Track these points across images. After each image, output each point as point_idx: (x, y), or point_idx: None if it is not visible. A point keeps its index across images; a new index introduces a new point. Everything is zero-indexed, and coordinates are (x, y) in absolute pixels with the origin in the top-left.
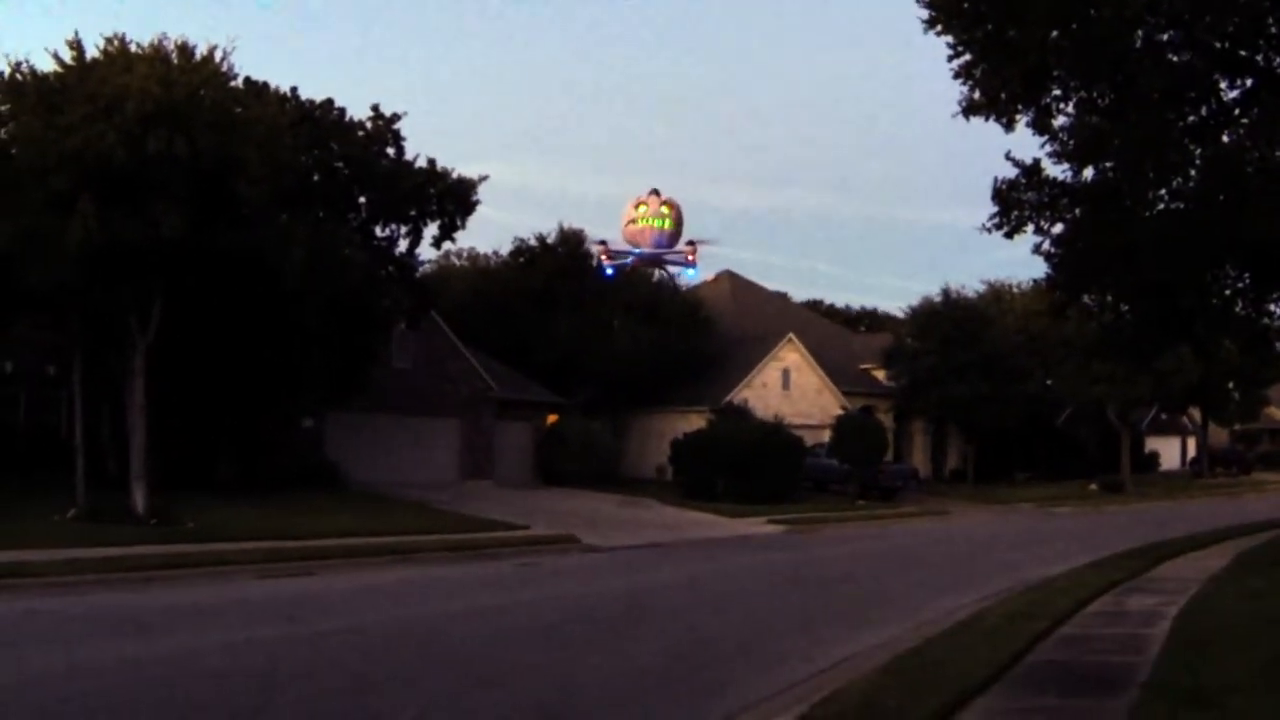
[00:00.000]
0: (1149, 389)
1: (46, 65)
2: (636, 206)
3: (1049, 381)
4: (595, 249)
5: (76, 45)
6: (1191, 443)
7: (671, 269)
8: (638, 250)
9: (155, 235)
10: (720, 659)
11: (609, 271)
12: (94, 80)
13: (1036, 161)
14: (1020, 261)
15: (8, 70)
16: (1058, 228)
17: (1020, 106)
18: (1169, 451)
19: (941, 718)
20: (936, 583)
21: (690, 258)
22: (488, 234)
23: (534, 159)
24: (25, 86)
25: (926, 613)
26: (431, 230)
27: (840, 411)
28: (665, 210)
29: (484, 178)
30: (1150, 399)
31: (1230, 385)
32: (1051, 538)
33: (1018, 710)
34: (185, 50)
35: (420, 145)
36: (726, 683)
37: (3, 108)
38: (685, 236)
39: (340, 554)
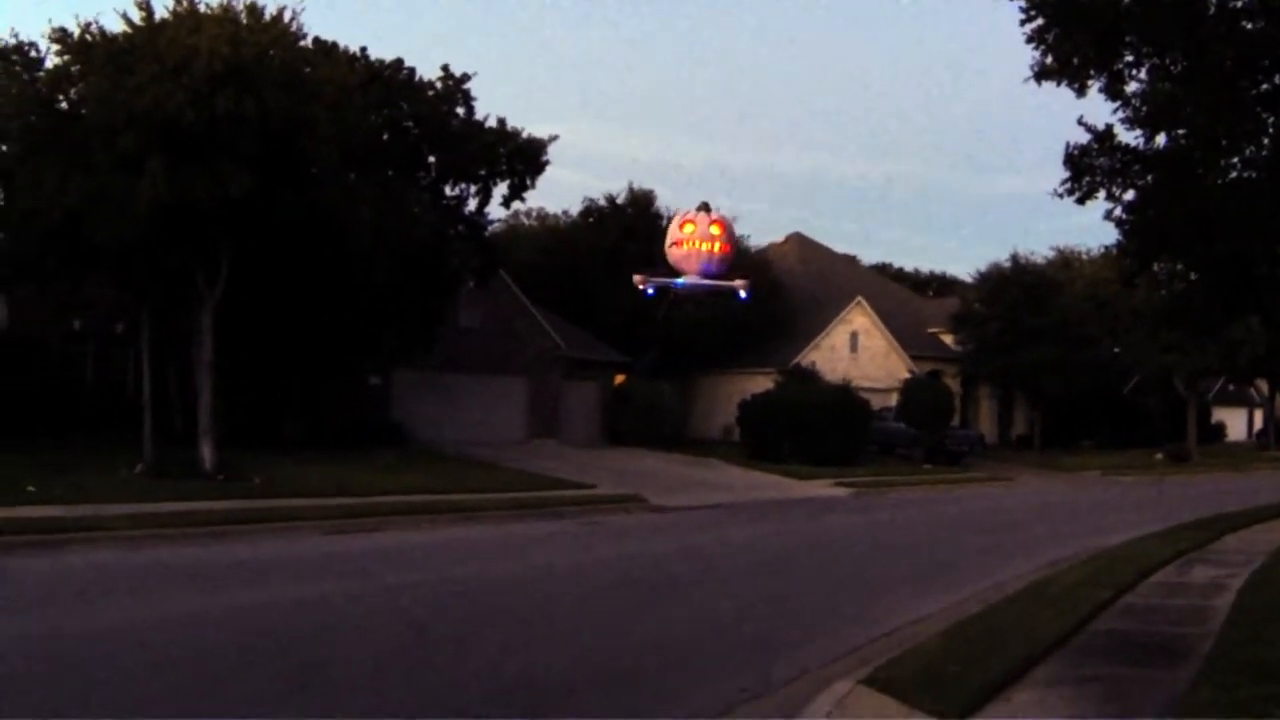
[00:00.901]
0: (1217, 359)
1: (116, 26)
2: (682, 226)
3: (1116, 350)
4: (635, 279)
5: (145, 6)
6: (1258, 414)
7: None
8: (680, 281)
9: (223, 195)
10: (783, 621)
11: (650, 292)
12: (163, 41)
13: (1109, 127)
14: (1090, 229)
15: (77, 31)
16: (1129, 194)
17: (1092, 71)
18: (1235, 423)
19: (1003, 684)
20: (1001, 549)
21: (743, 291)
22: (557, 194)
23: (605, 120)
24: (95, 47)
25: (990, 578)
26: (501, 190)
27: (908, 375)
28: (715, 231)
29: (554, 138)
30: (1218, 369)
31: None
32: (1116, 506)
33: (1079, 679)
34: (254, 10)
35: (490, 106)
36: (788, 645)
37: (73, 68)
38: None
39: (405, 511)
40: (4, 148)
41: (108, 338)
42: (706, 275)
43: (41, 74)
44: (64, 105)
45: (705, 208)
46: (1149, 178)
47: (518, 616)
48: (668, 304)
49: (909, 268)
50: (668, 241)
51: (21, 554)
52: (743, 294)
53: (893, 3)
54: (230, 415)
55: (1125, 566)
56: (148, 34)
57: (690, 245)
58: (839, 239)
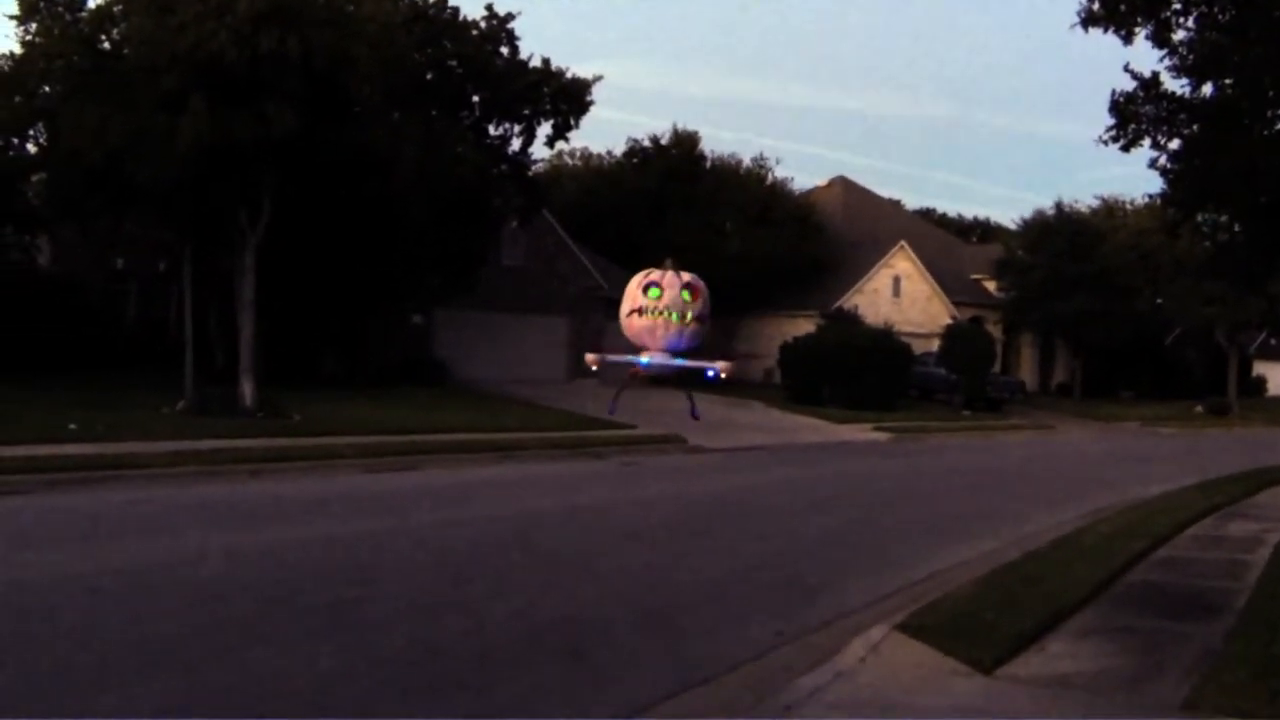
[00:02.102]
0: (1259, 312)
1: None
2: (645, 289)
3: (1159, 300)
4: (587, 358)
5: None
6: None
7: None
8: (645, 361)
9: (266, 133)
10: (818, 565)
11: (594, 369)
12: None
13: (1155, 75)
14: (1135, 178)
15: None
16: (1175, 143)
17: (1139, 19)
18: (1276, 377)
19: (1037, 633)
20: (1039, 497)
21: (723, 373)
22: (601, 133)
23: (650, 59)
24: None
25: (1027, 527)
26: (545, 130)
27: (949, 321)
28: (686, 297)
29: (598, 78)
30: (1259, 323)
31: None
32: (1154, 457)
33: (1113, 630)
34: None
35: (534, 45)
36: (823, 588)
37: (115, 8)
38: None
39: (444, 449)
40: (47, 88)
41: (150, 277)
42: (675, 352)
43: (84, 14)
44: (106, 45)
45: (673, 265)
46: (1195, 127)
47: (554, 556)
48: (620, 390)
49: (953, 213)
50: (624, 308)
51: (63, 491)
52: (710, 373)
53: None
54: (271, 353)
55: (1162, 518)
56: None
57: (655, 315)
58: (884, 181)
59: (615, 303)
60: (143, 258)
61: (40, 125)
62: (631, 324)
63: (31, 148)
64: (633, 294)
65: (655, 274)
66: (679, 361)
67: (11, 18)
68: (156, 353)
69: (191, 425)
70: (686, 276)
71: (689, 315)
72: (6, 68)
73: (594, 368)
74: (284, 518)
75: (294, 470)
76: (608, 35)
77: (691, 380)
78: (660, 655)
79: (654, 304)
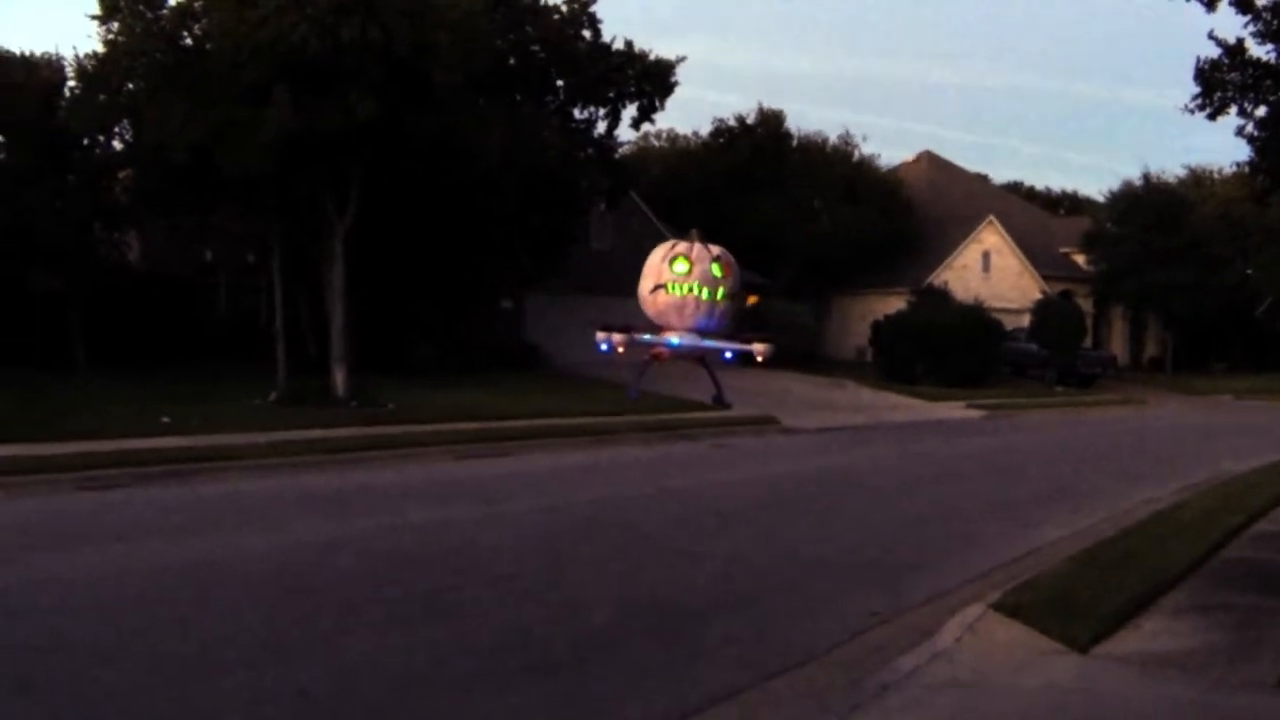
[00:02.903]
0: None
1: None
2: (670, 260)
3: (1249, 271)
4: (597, 335)
5: None
6: None
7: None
8: (674, 342)
9: (350, 122)
10: (914, 544)
11: (603, 347)
12: None
13: (1240, 41)
14: (1224, 147)
15: None
16: (1261, 110)
17: None
18: None
19: (1133, 611)
20: (1131, 472)
21: (759, 356)
22: (685, 112)
23: (734, 36)
24: None
25: (1122, 503)
26: (630, 112)
27: (1040, 295)
28: (717, 272)
29: (681, 59)
30: None
31: None
32: (1248, 430)
33: (1209, 607)
34: None
35: (617, 26)
36: (919, 568)
37: (196, 3)
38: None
39: (537, 435)
40: (131, 86)
41: (239, 269)
42: (704, 332)
43: (165, 11)
44: (188, 41)
45: (700, 237)
46: None
47: (646, 538)
48: (638, 374)
49: (1040, 186)
50: (645, 284)
51: (159, 483)
52: (729, 355)
53: None
54: (362, 341)
55: (1258, 493)
56: None
57: (682, 290)
58: (971, 153)
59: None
60: (231, 250)
61: (126, 122)
62: (655, 301)
63: (118, 145)
64: (656, 268)
65: (682, 245)
66: (709, 343)
67: (93, 18)
68: (248, 344)
69: (284, 416)
70: (716, 249)
71: (720, 292)
72: (90, 66)
73: (620, 349)
74: (377, 507)
75: (387, 459)
76: (692, 12)
77: (718, 361)
78: (755, 636)
79: (681, 278)
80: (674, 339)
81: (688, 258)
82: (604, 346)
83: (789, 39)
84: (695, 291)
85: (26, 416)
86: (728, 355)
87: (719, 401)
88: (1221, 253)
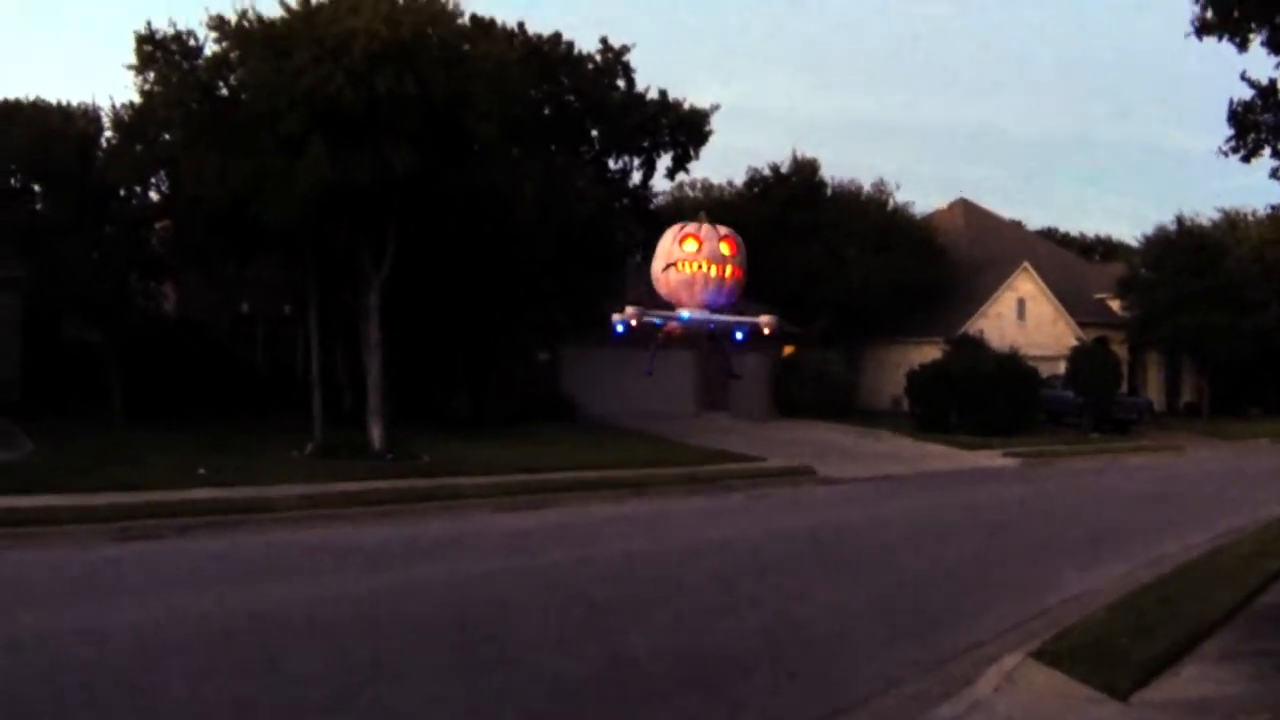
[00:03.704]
0: None
1: (273, 11)
2: (682, 241)
3: None
4: (614, 316)
5: None
6: None
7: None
8: (686, 315)
9: (387, 173)
10: (951, 593)
11: (619, 329)
12: (320, 23)
13: (1273, 82)
14: (1257, 188)
15: (234, 18)
16: None
17: (1254, 24)
18: None
19: (1172, 658)
20: (1170, 519)
21: (765, 329)
22: (720, 157)
23: (766, 81)
24: (252, 33)
25: (1159, 549)
26: (665, 161)
27: (1075, 342)
28: (725, 250)
29: (715, 107)
30: None
31: None
32: None
33: (1249, 653)
34: None
35: (650, 74)
36: (957, 616)
37: (231, 54)
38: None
39: (575, 487)
40: (167, 136)
41: (275, 319)
42: (714, 308)
43: (201, 62)
44: (224, 92)
45: (708, 218)
46: None
47: (688, 590)
48: (655, 348)
49: (1075, 231)
50: (657, 263)
51: (195, 535)
52: (739, 335)
53: None
54: (399, 394)
55: None
56: (305, 17)
57: (691, 268)
58: (1006, 197)
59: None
60: (268, 301)
61: (162, 173)
62: (667, 279)
63: (154, 195)
64: (667, 248)
65: (691, 227)
66: (719, 317)
67: (129, 68)
68: (284, 396)
69: (321, 468)
70: (723, 230)
71: (728, 269)
72: (127, 117)
73: (633, 323)
74: (415, 558)
75: (425, 511)
76: (724, 59)
77: (729, 338)
78: (795, 687)
79: (691, 257)
80: (685, 313)
81: (696, 237)
82: (620, 328)
83: (822, 85)
84: (704, 269)
85: (64, 466)
86: (738, 336)
87: (728, 374)
88: (1257, 295)
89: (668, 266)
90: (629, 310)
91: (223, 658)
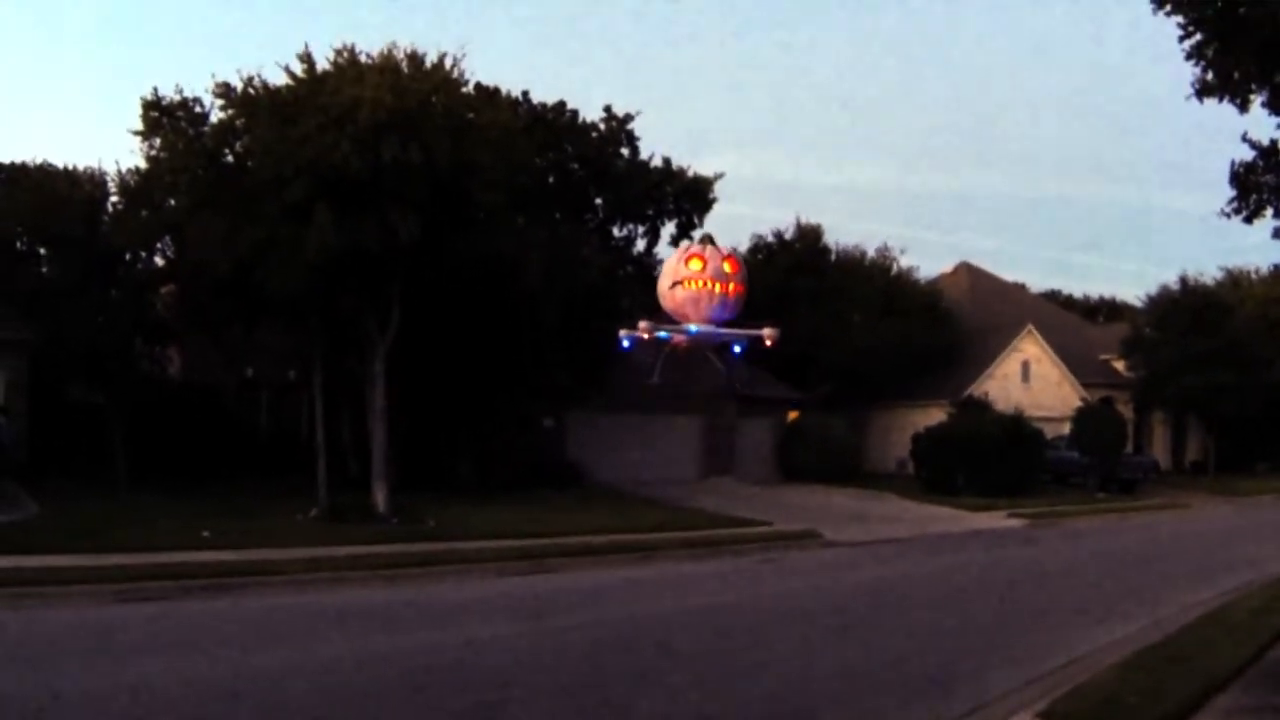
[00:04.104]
0: None
1: (279, 79)
2: (687, 260)
3: None
4: (622, 333)
5: (308, 59)
6: None
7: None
8: (694, 329)
9: (392, 241)
10: (959, 653)
11: (625, 344)
12: (326, 91)
13: (1274, 143)
14: (1261, 247)
15: (241, 85)
16: None
17: (1254, 86)
18: None
19: (1182, 715)
20: (1177, 577)
21: (769, 340)
22: (723, 225)
23: (769, 149)
24: (259, 101)
25: (1168, 607)
26: (669, 229)
27: (1080, 403)
28: (728, 269)
29: (719, 175)
30: None
31: None
32: None
33: (1260, 709)
34: (415, 59)
35: (654, 143)
36: (964, 678)
37: (237, 122)
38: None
39: (581, 552)
40: (173, 202)
41: (281, 384)
42: (718, 322)
43: (207, 129)
44: (230, 158)
45: (711, 240)
46: None
47: (693, 654)
48: (663, 359)
49: (1078, 293)
50: (665, 281)
51: (199, 597)
52: (737, 348)
53: (1048, 21)
54: (404, 459)
55: None
56: (310, 86)
57: (697, 285)
58: (1009, 262)
59: (746, 400)
60: (273, 366)
61: (168, 238)
62: (674, 295)
63: (160, 260)
64: (674, 268)
65: (695, 248)
66: (723, 331)
67: (136, 133)
68: (289, 460)
69: (326, 532)
70: (726, 250)
71: (730, 285)
72: (133, 182)
73: (644, 336)
74: (420, 623)
75: (430, 576)
76: (727, 128)
77: (730, 354)
78: None
79: (696, 274)
80: (692, 327)
81: (701, 257)
82: (626, 343)
83: (825, 153)
84: (708, 286)
85: (67, 527)
86: (736, 350)
87: (731, 386)
88: (1262, 353)
89: (675, 284)
90: (641, 325)
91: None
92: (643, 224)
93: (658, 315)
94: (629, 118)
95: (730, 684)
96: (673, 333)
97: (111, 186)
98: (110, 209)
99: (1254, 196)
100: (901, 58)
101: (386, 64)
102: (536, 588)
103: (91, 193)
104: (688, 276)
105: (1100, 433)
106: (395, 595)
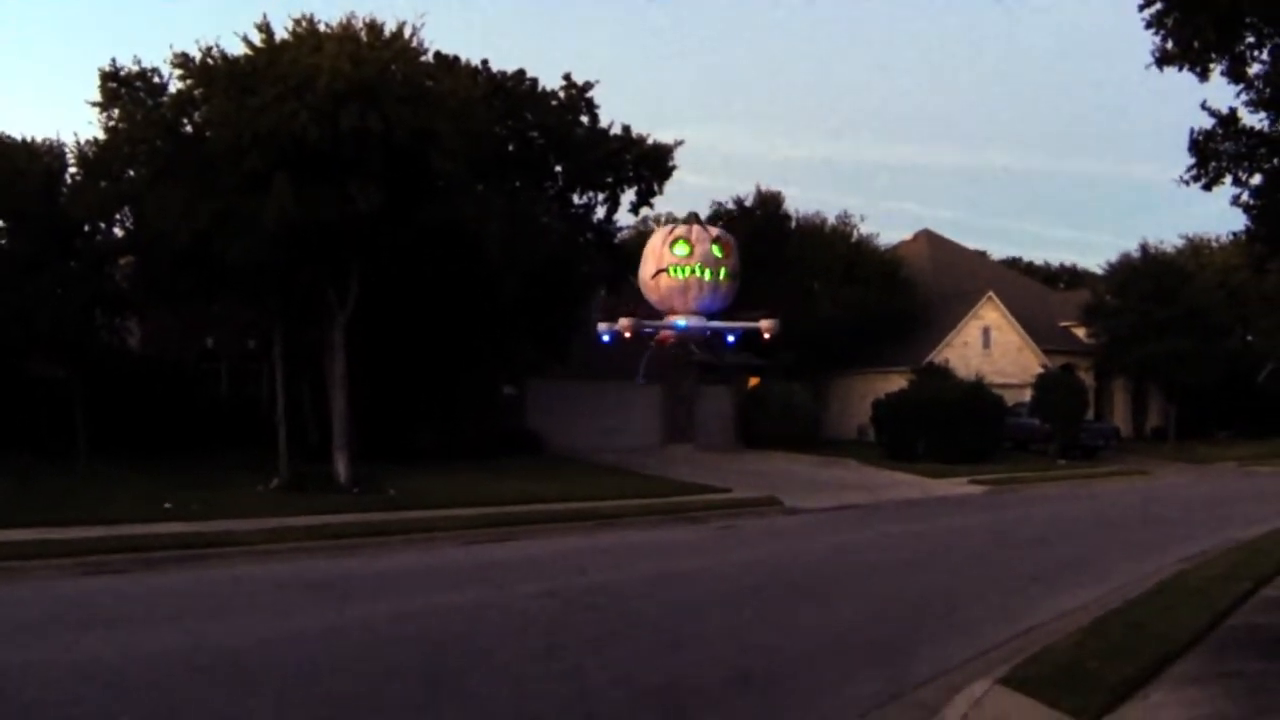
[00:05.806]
0: None
1: (237, 49)
2: (671, 244)
3: (1249, 338)
4: (601, 326)
5: (266, 28)
6: None
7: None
8: (681, 324)
9: (351, 211)
10: (919, 620)
11: (605, 338)
12: (284, 61)
13: (1233, 111)
14: (1221, 215)
15: (199, 55)
16: (1256, 178)
17: (1213, 55)
18: None
19: (1142, 681)
20: (1138, 543)
21: (766, 333)
22: (685, 195)
23: (729, 121)
24: (217, 70)
25: (1128, 574)
26: (629, 197)
27: (1041, 370)
28: (718, 252)
29: (679, 143)
30: None
31: None
32: (1252, 498)
33: (1219, 675)
34: (374, 28)
35: (614, 112)
36: (925, 644)
37: (196, 92)
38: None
39: (541, 519)
40: (131, 173)
41: (240, 355)
42: (709, 314)
43: (165, 99)
44: (188, 129)
45: (699, 221)
46: (1275, 160)
47: (653, 622)
48: (647, 359)
49: (1039, 261)
50: (646, 268)
51: (160, 569)
52: (730, 339)
53: None
54: (364, 428)
55: (1263, 559)
56: (269, 56)
57: (685, 273)
58: (969, 233)
59: (706, 368)
60: (233, 337)
61: (126, 209)
62: (658, 285)
63: (119, 231)
64: (658, 252)
65: (681, 229)
66: (715, 324)
67: (94, 104)
68: (250, 431)
69: (287, 502)
70: (715, 230)
71: (723, 272)
72: (91, 154)
73: (626, 334)
74: (380, 592)
75: (391, 545)
76: (687, 98)
77: (722, 342)
78: (763, 717)
79: (683, 260)
80: (680, 321)
81: (688, 240)
82: (606, 338)
83: (786, 125)
84: (698, 273)
85: (29, 502)
86: (730, 340)
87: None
88: (1221, 320)
89: (658, 272)
90: (622, 321)
91: (182, 692)
92: (602, 191)
93: (618, 285)
94: (588, 85)
95: (689, 651)
96: (658, 328)
97: (70, 158)
98: (69, 180)
99: (1213, 164)
100: (862, 30)
101: (345, 33)
102: (498, 555)
103: (50, 165)
104: (673, 262)
105: (1061, 400)
106: (357, 565)
